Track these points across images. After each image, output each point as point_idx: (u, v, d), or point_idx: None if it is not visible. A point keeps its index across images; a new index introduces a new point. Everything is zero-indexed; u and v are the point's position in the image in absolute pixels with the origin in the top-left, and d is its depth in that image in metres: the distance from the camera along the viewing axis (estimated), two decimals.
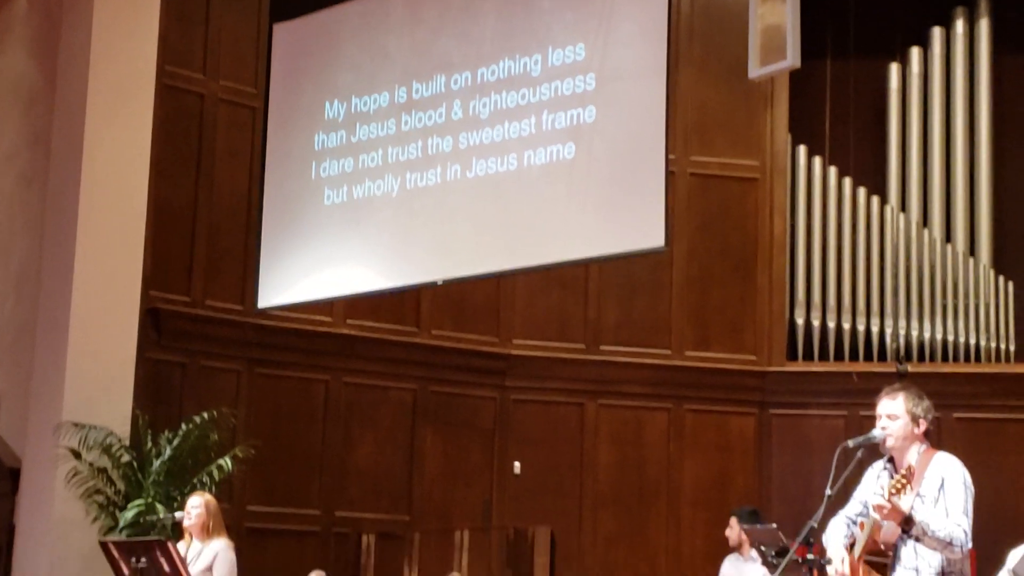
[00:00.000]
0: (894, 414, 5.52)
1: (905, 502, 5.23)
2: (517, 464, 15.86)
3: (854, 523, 5.52)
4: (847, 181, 16.35)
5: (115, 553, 8.07)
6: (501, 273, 12.73)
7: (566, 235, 10.96)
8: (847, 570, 5.33)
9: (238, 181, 14.61)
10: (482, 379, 15.94)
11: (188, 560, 8.04)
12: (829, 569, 5.42)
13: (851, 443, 5.54)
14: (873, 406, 5.66)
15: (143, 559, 7.87)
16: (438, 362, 15.65)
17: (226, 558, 8.13)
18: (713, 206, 16.40)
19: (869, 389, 6.04)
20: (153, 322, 13.84)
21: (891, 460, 5.54)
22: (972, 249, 16.14)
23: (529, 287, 15.99)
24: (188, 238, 14.37)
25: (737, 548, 9.00)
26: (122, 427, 12.43)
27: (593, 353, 16.15)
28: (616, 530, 15.88)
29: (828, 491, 5.42)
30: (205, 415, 12.53)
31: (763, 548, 7.88)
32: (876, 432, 5.54)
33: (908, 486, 5.21)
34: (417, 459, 15.57)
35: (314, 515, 14.92)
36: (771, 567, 7.63)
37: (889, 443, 5.51)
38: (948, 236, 16.21)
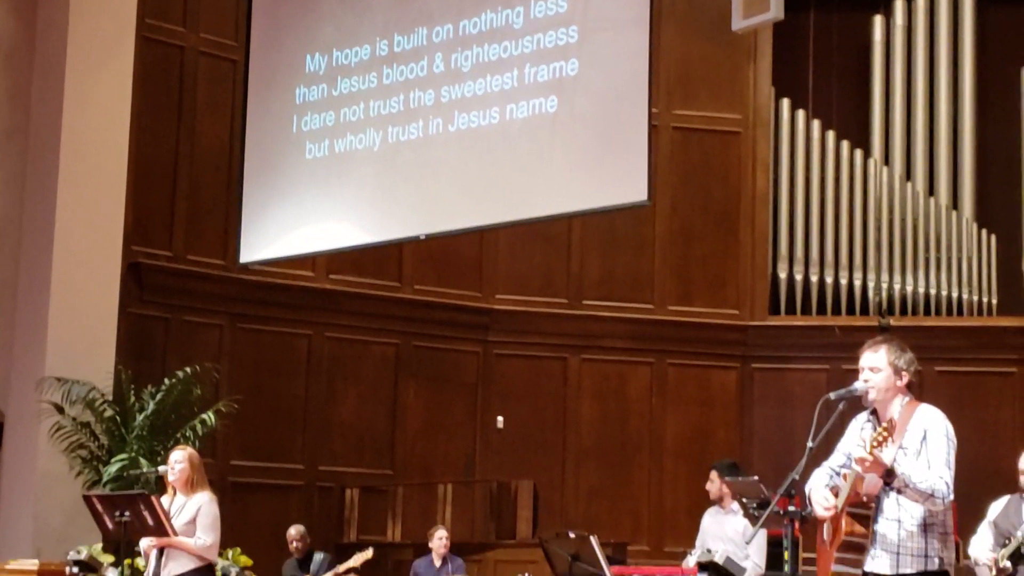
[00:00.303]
0: (876, 367, 5.52)
1: (887, 455, 5.24)
2: (500, 418, 15.89)
3: (837, 474, 5.53)
4: (830, 135, 16.34)
5: (99, 507, 8.07)
6: (484, 228, 12.72)
7: (549, 189, 10.93)
8: (831, 505, 5.34)
9: (219, 135, 14.55)
10: (465, 334, 15.95)
11: (171, 514, 8.03)
12: (815, 507, 5.44)
13: (833, 396, 5.55)
14: (855, 360, 5.65)
15: (127, 513, 7.87)
16: (421, 317, 15.66)
17: (209, 511, 8.12)
18: (696, 160, 16.39)
19: (851, 343, 6.05)
20: (135, 277, 13.81)
21: (874, 412, 5.54)
22: (955, 203, 16.16)
23: (512, 242, 15.98)
24: (169, 193, 14.32)
25: (718, 501, 9.03)
26: (105, 382, 12.42)
27: (576, 308, 16.17)
28: (599, 483, 15.95)
29: (810, 443, 5.43)
30: (188, 370, 12.52)
31: (745, 500, 7.91)
32: (858, 385, 5.53)
33: (890, 439, 5.21)
34: (400, 413, 15.60)
35: (297, 469, 14.95)
36: (752, 519, 7.67)
37: (871, 396, 5.51)
38: (931, 190, 16.23)
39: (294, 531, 11.55)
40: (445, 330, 15.78)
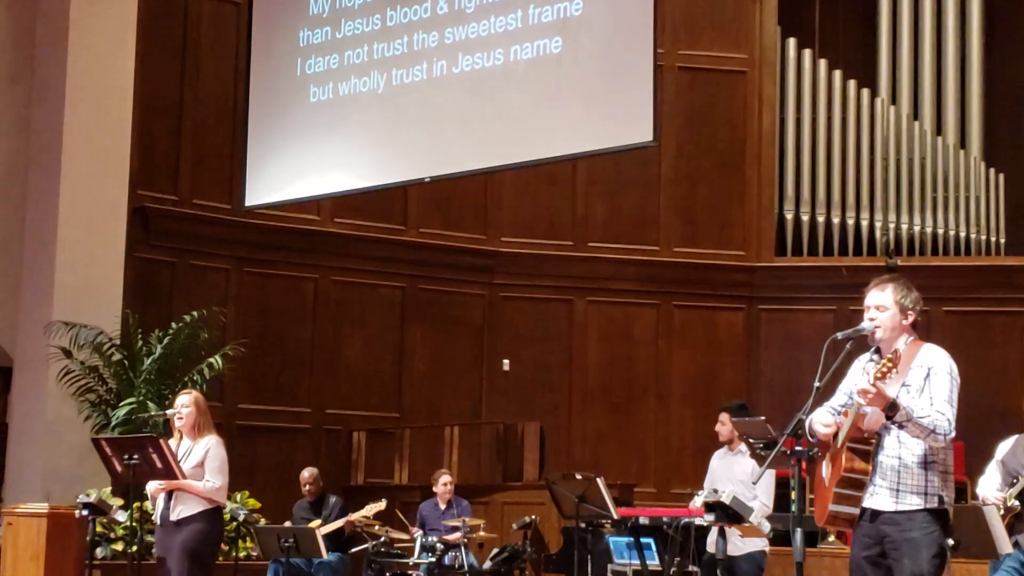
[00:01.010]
0: (883, 305, 5.51)
1: (891, 389, 5.24)
2: (506, 361, 15.91)
3: (838, 413, 5.53)
4: (837, 74, 16.25)
5: (107, 450, 8.10)
6: (488, 170, 12.66)
7: (553, 131, 10.88)
8: (831, 423, 5.35)
9: (223, 79, 14.50)
10: (471, 277, 15.95)
11: (179, 457, 8.06)
12: (816, 427, 5.44)
13: (840, 335, 5.53)
14: (862, 300, 5.64)
15: (135, 456, 7.89)
16: (426, 260, 15.65)
17: (217, 454, 8.14)
18: (702, 101, 16.31)
19: (858, 283, 6.02)
20: (141, 221, 13.81)
21: (878, 352, 5.54)
22: (963, 142, 16.10)
23: (517, 184, 15.94)
24: (174, 136, 14.30)
25: (728, 444, 9.03)
26: (112, 326, 12.44)
27: (581, 250, 16.15)
28: (605, 426, 15.99)
29: (817, 383, 5.43)
30: (195, 314, 12.54)
31: (751, 440, 7.91)
32: (865, 324, 5.52)
33: (894, 370, 5.20)
34: (406, 357, 15.62)
35: (304, 413, 15.00)
36: (759, 459, 7.66)
37: (878, 335, 5.50)
38: (939, 129, 16.16)
39: (307, 474, 11.57)
40: (451, 273, 15.78)
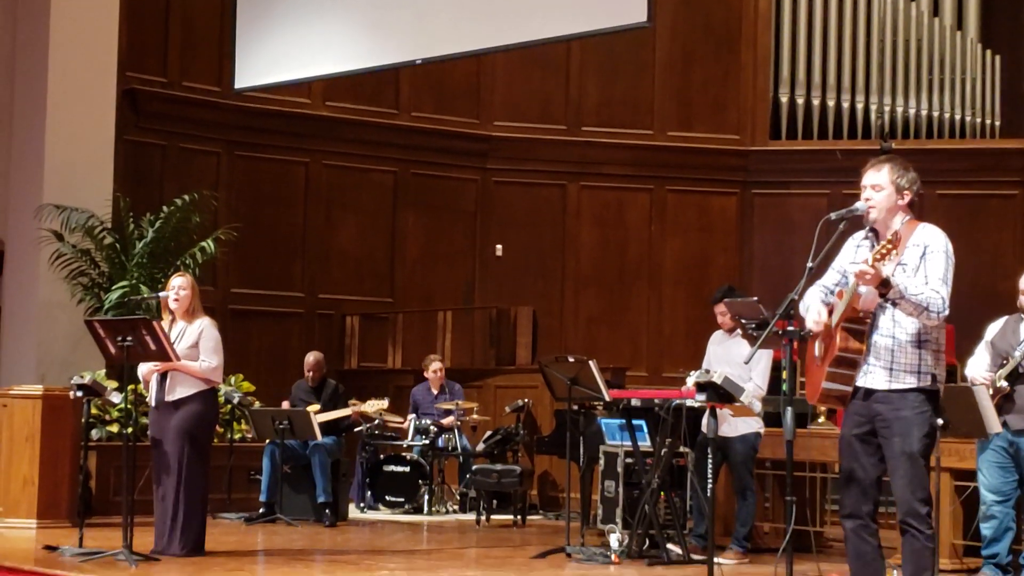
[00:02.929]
0: (879, 185, 5.46)
1: (887, 268, 5.22)
2: (499, 246, 15.90)
3: (831, 292, 5.51)
4: None
5: (101, 332, 8.08)
6: (481, 52, 12.55)
7: (547, 12, 10.74)
8: (822, 320, 5.34)
9: None
10: (463, 161, 15.88)
11: (172, 339, 8.06)
12: (809, 324, 5.43)
13: (834, 216, 5.50)
14: (857, 184, 5.59)
15: (129, 338, 7.89)
16: (419, 144, 15.57)
17: (211, 335, 8.14)
18: None
19: (853, 167, 5.98)
20: (130, 103, 13.70)
21: (872, 231, 5.51)
22: (959, 23, 15.95)
23: (509, 67, 15.81)
24: (163, 17, 14.14)
25: (729, 332, 9.01)
26: (103, 209, 12.39)
27: (575, 134, 16.07)
28: (598, 310, 16.02)
29: (810, 263, 5.40)
30: (186, 197, 12.47)
31: (743, 320, 7.92)
32: (860, 204, 5.48)
33: (893, 251, 5.18)
34: (399, 241, 15.61)
35: (297, 297, 15.02)
36: (751, 339, 7.69)
37: (872, 215, 5.46)
38: (935, 10, 15.99)
39: (312, 359, 11.58)
40: (443, 157, 15.70)
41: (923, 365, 5.41)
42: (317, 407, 11.14)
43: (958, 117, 15.75)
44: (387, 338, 15.11)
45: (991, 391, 7.52)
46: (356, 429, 11.95)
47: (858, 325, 5.45)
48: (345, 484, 11.42)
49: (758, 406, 8.53)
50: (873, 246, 5.43)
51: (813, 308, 5.52)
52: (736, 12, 16.13)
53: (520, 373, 13.40)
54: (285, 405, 11.42)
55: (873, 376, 5.43)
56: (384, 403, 11.59)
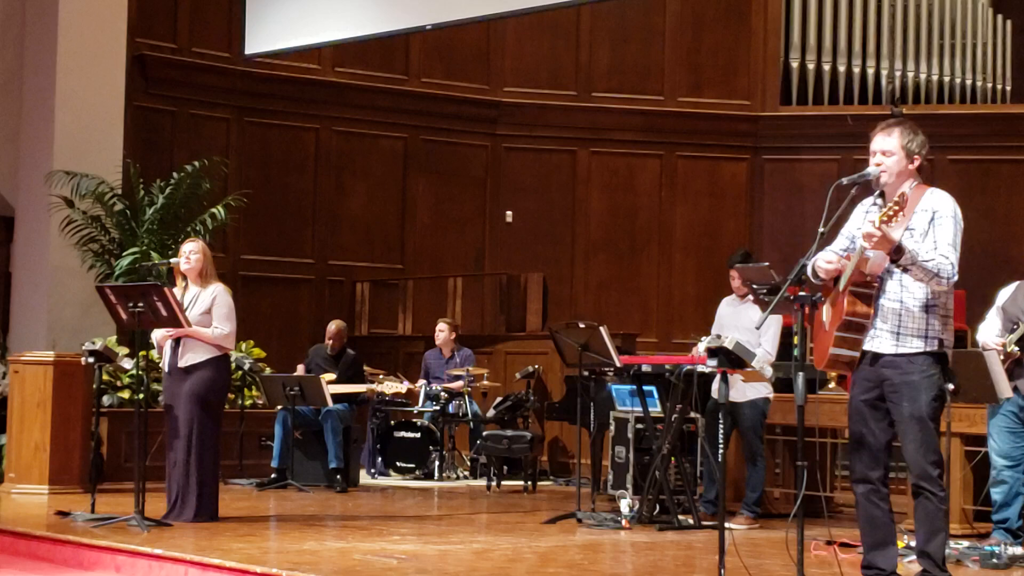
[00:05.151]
0: (889, 150, 5.45)
1: (895, 232, 5.21)
2: (509, 212, 15.89)
3: (840, 257, 5.51)
4: None
5: (112, 298, 8.10)
6: (491, 17, 12.49)
7: None
8: (834, 260, 5.33)
9: None
10: (473, 127, 15.87)
11: (185, 305, 8.07)
12: (820, 265, 5.41)
13: (845, 180, 5.49)
14: (867, 150, 5.58)
15: (140, 304, 7.91)
16: (429, 110, 15.55)
17: (224, 301, 8.15)
18: None
19: (863, 132, 5.95)
20: (140, 69, 13.69)
21: (882, 196, 5.50)
22: None
23: (519, 32, 15.77)
24: None
25: (742, 297, 9.01)
26: (114, 176, 12.39)
27: (585, 100, 16.03)
28: (608, 276, 16.03)
29: (821, 228, 5.39)
30: (196, 164, 12.47)
31: (755, 286, 7.93)
32: (871, 169, 5.47)
33: (900, 213, 5.17)
34: (409, 208, 15.61)
35: (307, 263, 15.03)
36: (762, 304, 7.68)
37: (883, 179, 5.46)
38: None
39: (333, 327, 11.56)
40: (453, 123, 15.69)
41: (930, 330, 5.41)
42: (333, 376, 11.14)
43: (969, 82, 15.70)
44: (397, 304, 15.12)
45: (1002, 356, 7.52)
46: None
47: (865, 289, 5.45)
48: (356, 450, 11.44)
49: (769, 371, 8.53)
50: (881, 211, 5.42)
51: (822, 257, 5.51)
52: None
53: (530, 339, 13.42)
54: (300, 369, 11.45)
55: (880, 340, 5.43)
56: (403, 386, 11.58)
